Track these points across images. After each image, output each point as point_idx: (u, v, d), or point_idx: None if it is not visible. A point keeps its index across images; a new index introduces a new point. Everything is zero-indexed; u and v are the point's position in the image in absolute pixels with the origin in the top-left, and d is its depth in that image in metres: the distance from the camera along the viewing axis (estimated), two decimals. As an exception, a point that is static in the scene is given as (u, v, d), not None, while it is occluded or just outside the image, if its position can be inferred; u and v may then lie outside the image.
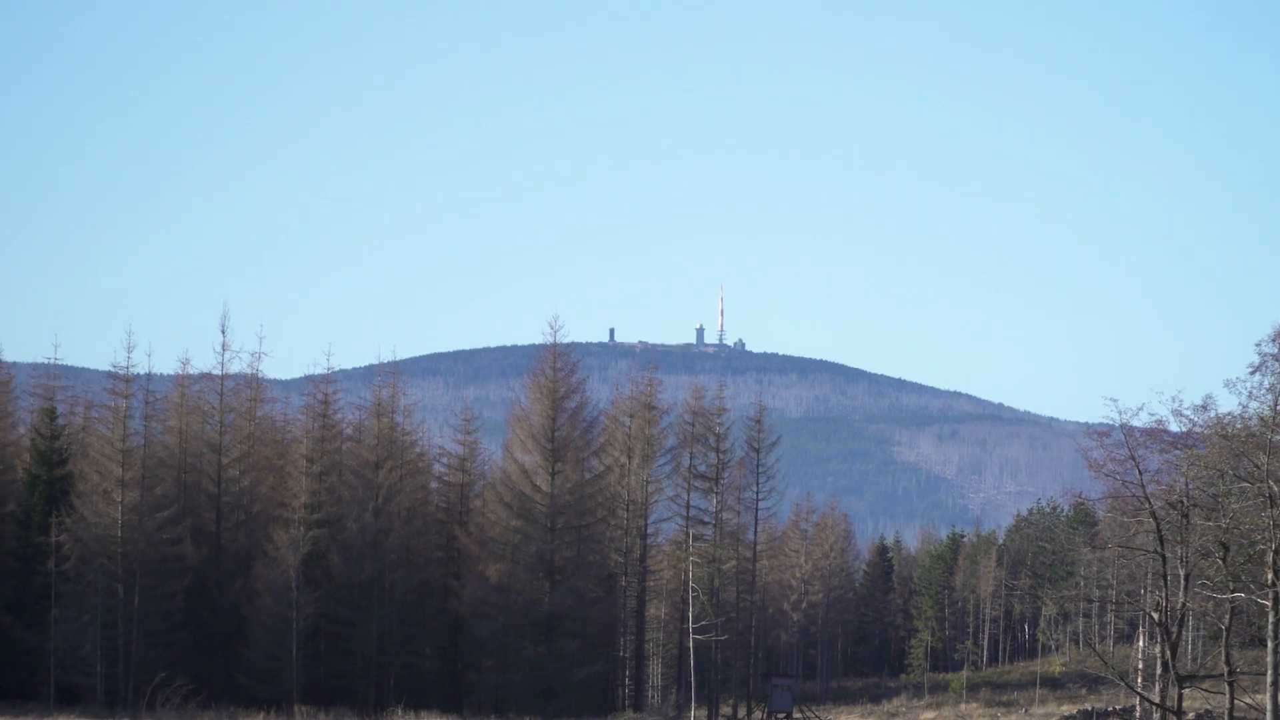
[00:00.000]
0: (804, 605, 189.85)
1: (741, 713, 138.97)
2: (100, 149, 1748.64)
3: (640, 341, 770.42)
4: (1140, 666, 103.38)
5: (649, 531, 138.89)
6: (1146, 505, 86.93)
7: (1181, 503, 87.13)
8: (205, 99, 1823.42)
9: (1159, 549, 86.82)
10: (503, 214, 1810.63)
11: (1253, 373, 79.32)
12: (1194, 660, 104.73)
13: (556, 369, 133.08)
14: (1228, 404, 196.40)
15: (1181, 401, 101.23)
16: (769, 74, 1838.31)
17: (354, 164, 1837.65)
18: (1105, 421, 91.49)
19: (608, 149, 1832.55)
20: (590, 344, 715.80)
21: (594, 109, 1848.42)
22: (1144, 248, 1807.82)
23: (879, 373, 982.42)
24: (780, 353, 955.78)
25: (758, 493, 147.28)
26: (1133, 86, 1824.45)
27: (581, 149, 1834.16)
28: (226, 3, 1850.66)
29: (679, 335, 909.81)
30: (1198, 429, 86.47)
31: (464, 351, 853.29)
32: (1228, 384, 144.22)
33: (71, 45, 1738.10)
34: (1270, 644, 79.03)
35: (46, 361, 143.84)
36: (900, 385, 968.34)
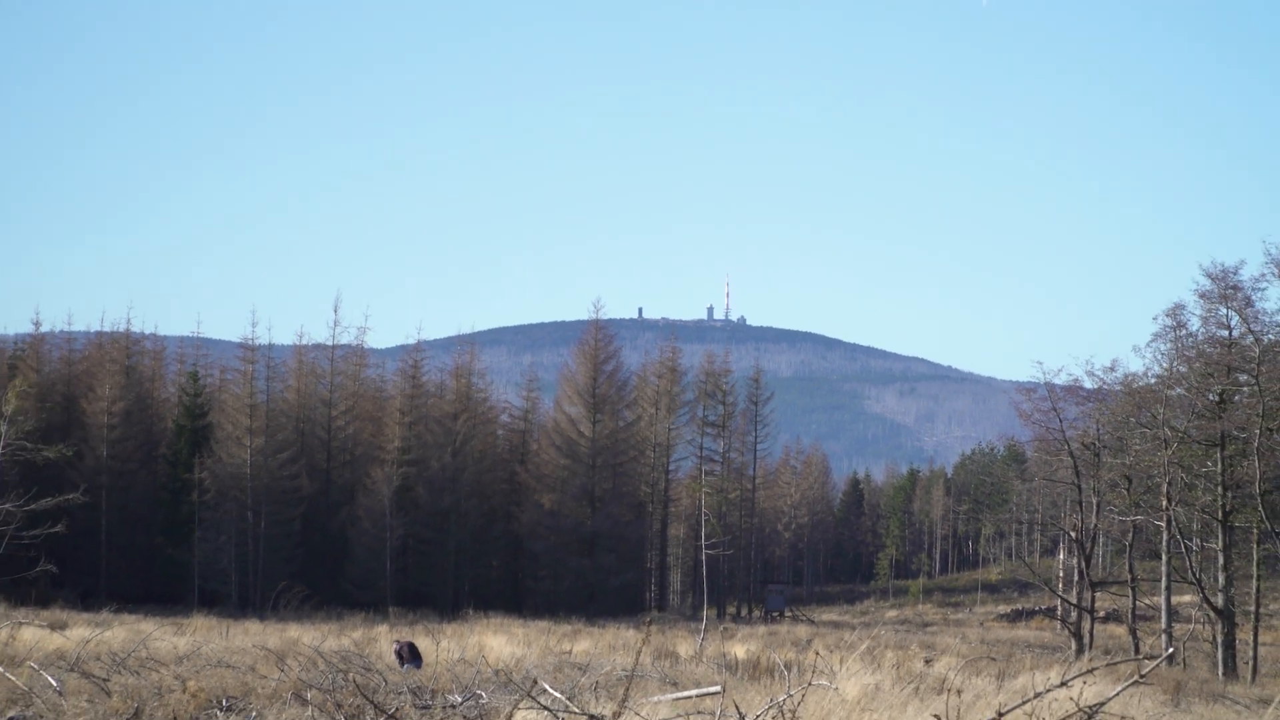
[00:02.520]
0: (793, 526, 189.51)
1: (744, 611, 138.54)
2: (226, 156, 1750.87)
3: (663, 317, 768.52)
4: (1061, 574, 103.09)
5: (670, 468, 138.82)
6: (1065, 447, 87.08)
7: (1094, 444, 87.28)
8: (316, 102, 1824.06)
9: (1075, 481, 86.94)
10: (555, 211, 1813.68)
11: (1152, 340, 78.99)
12: (1104, 569, 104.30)
13: (597, 340, 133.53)
14: (1135, 365, 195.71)
15: (1094, 364, 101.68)
16: (762, 91, 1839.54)
17: (443, 170, 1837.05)
18: (1033, 380, 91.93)
19: (640, 157, 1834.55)
20: (623, 320, 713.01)
21: (632, 121, 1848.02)
22: (1068, 226, 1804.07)
23: (852, 341, 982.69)
24: (774, 326, 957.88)
25: (756, 437, 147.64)
26: (1066, 63, 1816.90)
27: (617, 157, 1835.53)
28: None
29: (694, 312, 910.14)
30: (1106, 386, 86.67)
31: (523, 326, 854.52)
32: (1135, 349, 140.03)
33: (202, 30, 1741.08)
34: (1164, 556, 78.97)
35: (190, 335, 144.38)
36: (869, 352, 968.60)
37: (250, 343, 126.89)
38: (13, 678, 27.40)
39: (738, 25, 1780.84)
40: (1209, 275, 74.22)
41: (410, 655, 42.56)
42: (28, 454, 51.32)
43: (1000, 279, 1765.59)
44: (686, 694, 22.69)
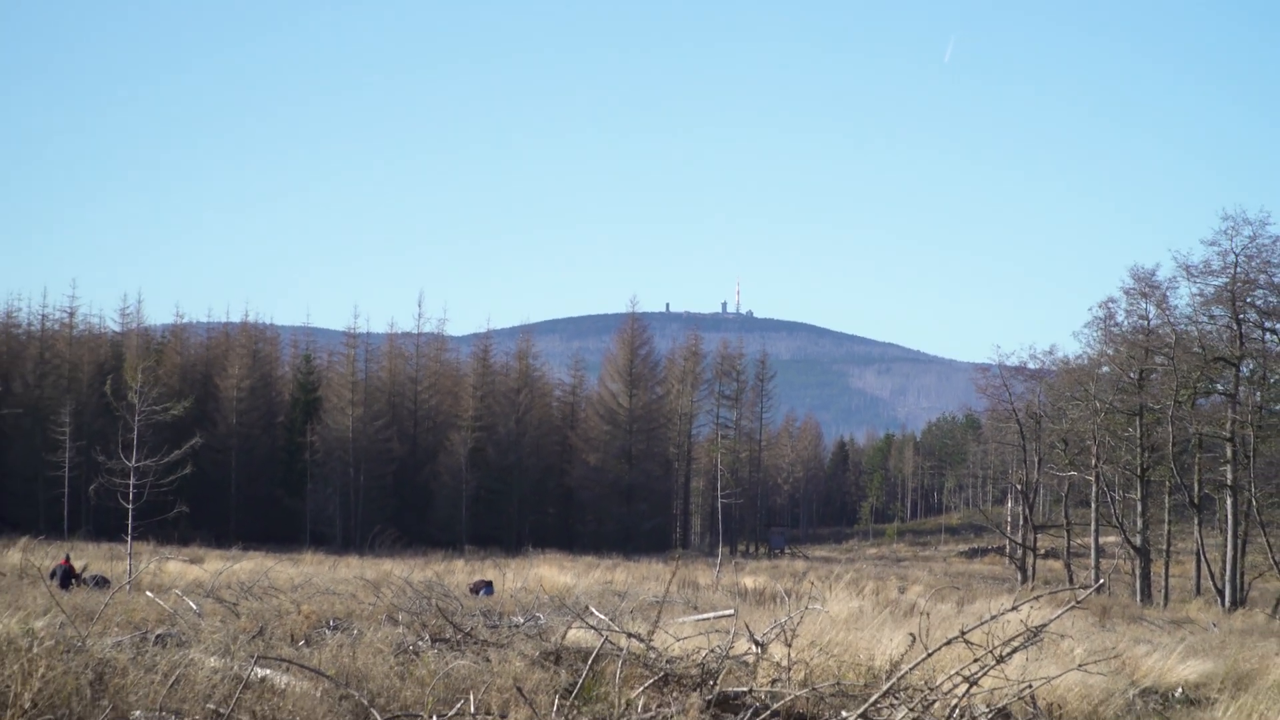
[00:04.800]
0: (791, 480, 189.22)
1: (752, 549, 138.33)
2: (332, 171, 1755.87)
3: (685, 310, 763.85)
4: (1009, 519, 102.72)
5: (692, 433, 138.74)
6: (1014, 416, 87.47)
7: (1036, 414, 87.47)
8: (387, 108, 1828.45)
9: (1021, 443, 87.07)
10: (598, 223, 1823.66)
11: (1086, 327, 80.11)
12: (1044, 515, 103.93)
13: (633, 329, 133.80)
14: (1071, 348, 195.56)
15: (1037, 349, 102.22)
16: (764, 116, 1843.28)
17: (510, 188, 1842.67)
18: (988, 361, 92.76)
19: (667, 178, 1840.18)
20: (653, 313, 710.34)
21: (663, 147, 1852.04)
22: (1018, 231, 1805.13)
23: (839, 330, 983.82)
24: (776, 318, 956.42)
25: (762, 408, 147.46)
26: (1025, 93, 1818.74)
27: (651, 178, 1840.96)
28: None
29: (711, 306, 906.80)
30: (1047, 366, 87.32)
31: (573, 318, 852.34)
32: (1074, 334, 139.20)
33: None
34: (1093, 505, 79.23)
35: (301, 325, 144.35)
36: (853, 339, 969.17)
37: (353, 331, 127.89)
38: (161, 602, 27.46)
39: (746, 65, 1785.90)
40: (1133, 276, 75.27)
41: (484, 587, 42.60)
42: (159, 416, 51.45)
43: (961, 276, 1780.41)
44: (706, 616, 22.64)
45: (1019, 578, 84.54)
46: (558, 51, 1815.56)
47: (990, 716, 12.33)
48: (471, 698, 13.10)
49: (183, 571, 48.01)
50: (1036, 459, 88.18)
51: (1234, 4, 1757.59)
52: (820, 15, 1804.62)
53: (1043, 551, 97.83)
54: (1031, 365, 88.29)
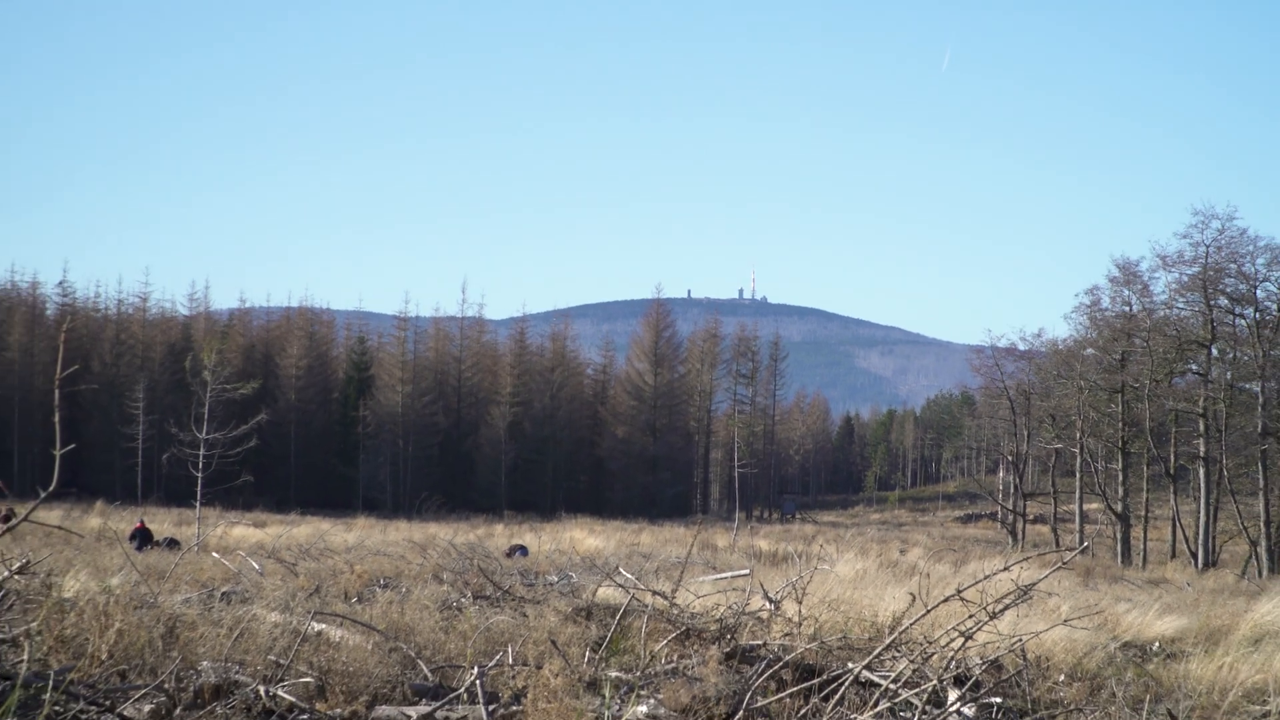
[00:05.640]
0: (801, 452, 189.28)
1: (765, 515, 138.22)
2: (382, 166, 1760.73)
3: (705, 296, 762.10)
4: (1001, 487, 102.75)
5: (712, 409, 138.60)
6: (1005, 393, 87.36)
7: (1026, 391, 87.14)
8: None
9: (1012, 418, 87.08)
10: (627, 215, 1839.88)
11: (1073, 312, 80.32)
12: (1033, 484, 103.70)
13: (658, 313, 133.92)
14: (1059, 331, 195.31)
15: (1026, 332, 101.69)
16: (777, 114, 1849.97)
17: (547, 181, 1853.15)
18: (982, 343, 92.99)
19: (691, 175, 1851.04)
20: (676, 298, 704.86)
21: (688, 146, 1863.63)
22: (1011, 225, 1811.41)
23: (846, 315, 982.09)
24: (788, 303, 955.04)
25: (775, 386, 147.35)
26: (1022, 92, 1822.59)
27: (678, 175, 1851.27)
28: None
29: (728, 293, 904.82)
30: (1035, 348, 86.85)
31: (603, 303, 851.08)
32: (1065, 317, 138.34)
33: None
34: (1078, 475, 79.26)
35: (355, 309, 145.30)
36: (859, 322, 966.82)
37: (403, 315, 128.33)
38: (226, 563, 27.53)
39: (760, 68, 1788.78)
40: (1117, 265, 75.58)
41: (518, 550, 42.66)
42: (228, 393, 51.79)
43: (959, 265, 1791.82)
44: (724, 575, 22.62)
45: (1010, 541, 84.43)
46: (592, 62, 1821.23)
47: (984, 668, 12.30)
48: (510, 650, 13.11)
49: (246, 535, 48.14)
50: (1026, 432, 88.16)
51: (1210, 4, 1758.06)
52: (832, 24, 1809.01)
53: (1031, 517, 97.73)
54: (1021, 347, 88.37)
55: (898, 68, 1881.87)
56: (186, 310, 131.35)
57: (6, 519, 39.42)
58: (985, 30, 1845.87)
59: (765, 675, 11.72)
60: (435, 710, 10.34)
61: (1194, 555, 68.16)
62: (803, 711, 10.47)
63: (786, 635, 14.29)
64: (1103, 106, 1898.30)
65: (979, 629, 11.24)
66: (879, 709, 10.11)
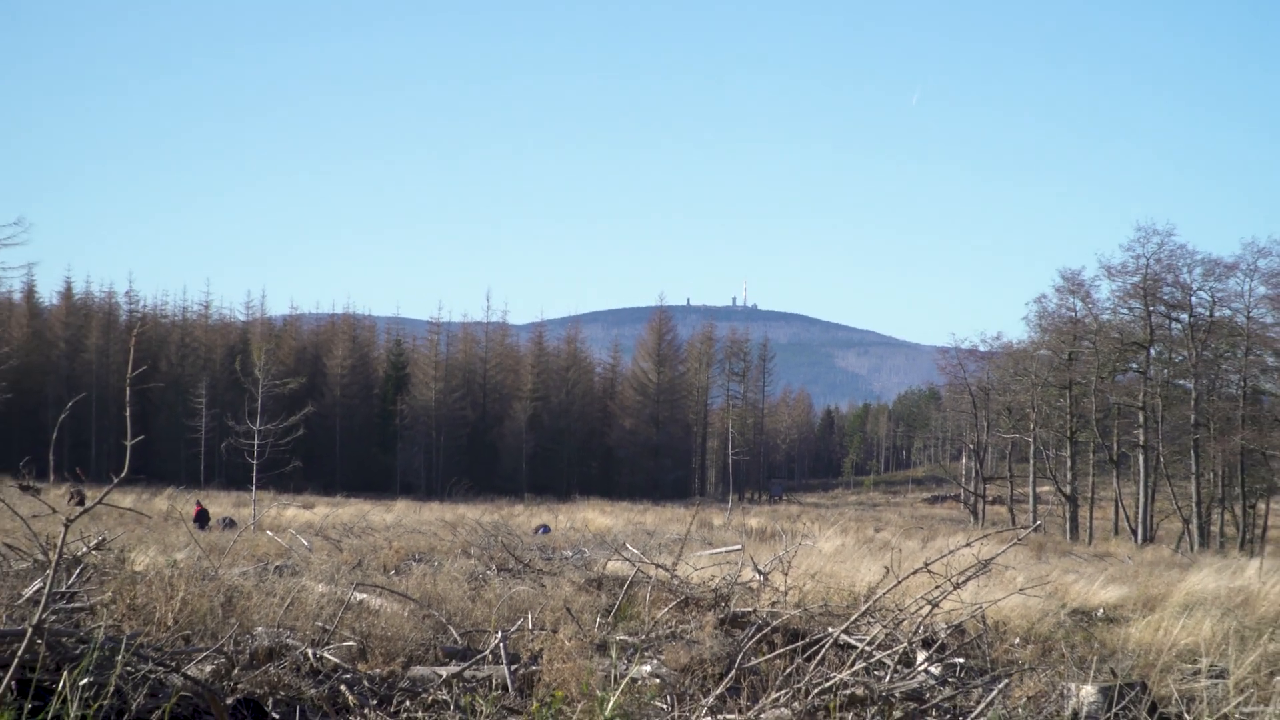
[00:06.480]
0: (787, 441, 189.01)
1: (755, 497, 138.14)
2: (409, 180, 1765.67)
3: (702, 304, 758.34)
4: (964, 473, 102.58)
5: (708, 403, 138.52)
6: (968, 389, 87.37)
7: (986, 387, 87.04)
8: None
9: (974, 411, 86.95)
10: (633, 230, 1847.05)
11: (1025, 317, 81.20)
12: (992, 469, 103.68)
13: (661, 319, 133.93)
14: (1014, 334, 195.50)
15: (987, 334, 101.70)
16: (765, 134, 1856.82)
17: (563, 202, 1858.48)
18: (947, 345, 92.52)
19: (688, 196, 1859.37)
20: (676, 305, 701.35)
21: (690, 168, 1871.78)
22: (973, 241, 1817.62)
23: (827, 320, 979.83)
24: (776, 310, 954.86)
25: (763, 383, 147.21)
26: (988, 108, 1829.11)
27: (679, 197, 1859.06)
28: None
29: (723, 300, 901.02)
30: (994, 348, 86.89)
31: (612, 310, 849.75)
32: (1024, 318, 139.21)
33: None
34: (1031, 461, 79.15)
35: (392, 315, 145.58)
36: (838, 326, 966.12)
37: (436, 321, 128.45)
38: (278, 540, 27.55)
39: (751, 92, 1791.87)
40: (1063, 275, 75.82)
41: (542, 528, 42.73)
42: (278, 389, 52.04)
43: (927, 275, 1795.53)
44: (719, 550, 22.63)
45: (972, 520, 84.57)
46: (605, 97, 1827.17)
47: (949, 632, 12.30)
48: (529, 616, 13.13)
49: (297, 515, 48.20)
50: (986, 424, 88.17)
51: (1153, 20, 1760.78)
52: (818, 66, 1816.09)
53: (991, 499, 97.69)
54: (982, 348, 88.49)
55: (875, 100, 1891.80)
56: (244, 316, 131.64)
57: (80, 501, 39.51)
58: (953, 64, 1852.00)
59: (755, 639, 11.72)
60: (463, 669, 10.34)
61: (1134, 532, 68.30)
62: (788, 671, 10.46)
63: (774, 603, 14.30)
64: (1052, 129, 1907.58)
65: (944, 597, 11.23)
66: (856, 668, 10.11)
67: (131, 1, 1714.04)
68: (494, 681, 10.44)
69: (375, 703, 9.50)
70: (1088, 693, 9.89)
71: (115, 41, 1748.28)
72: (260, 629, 11.33)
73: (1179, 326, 70.33)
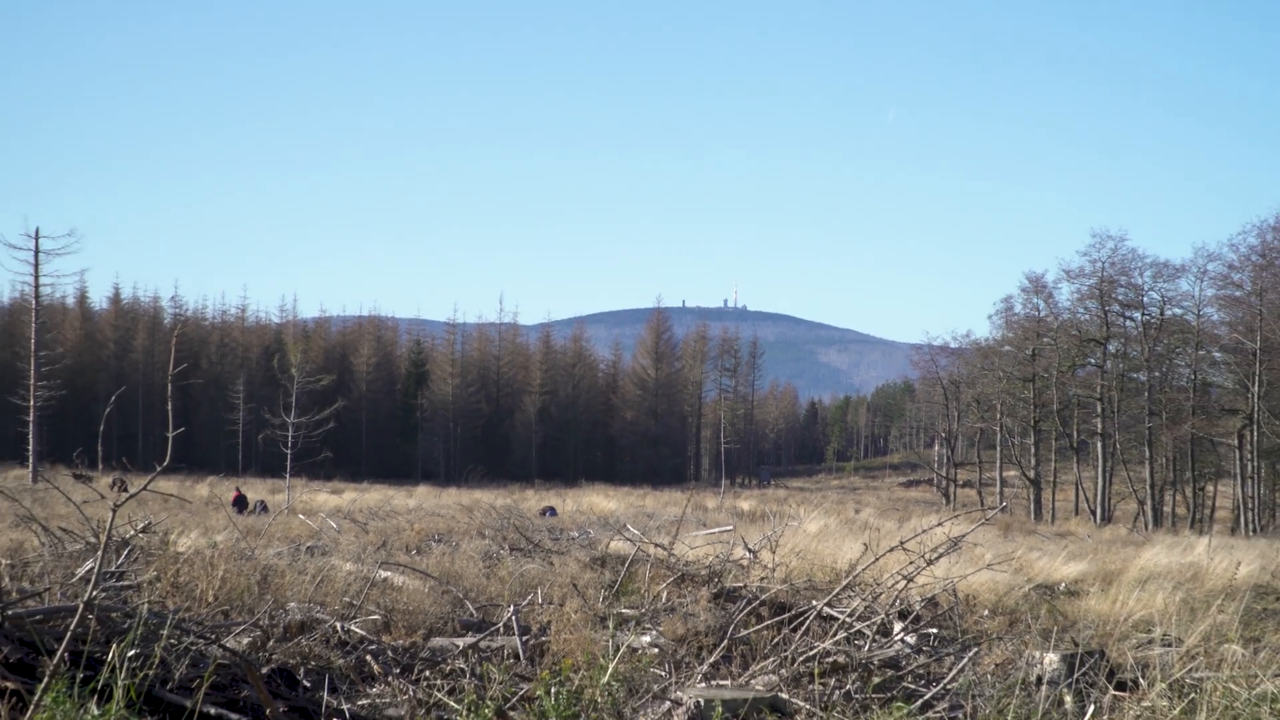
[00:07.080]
0: (775, 431, 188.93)
1: (746, 482, 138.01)
2: (430, 188, 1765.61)
3: (697, 305, 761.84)
4: (936, 459, 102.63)
5: (702, 396, 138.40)
6: (940, 383, 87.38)
7: (956, 381, 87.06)
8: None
9: (945, 403, 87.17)
10: (633, 238, 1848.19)
11: (992, 316, 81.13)
12: (962, 455, 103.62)
13: (658, 320, 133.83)
14: (982, 331, 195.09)
15: (957, 332, 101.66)
16: (757, 137, 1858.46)
17: (570, 211, 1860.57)
18: (921, 342, 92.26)
19: (684, 200, 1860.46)
20: (672, 307, 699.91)
21: (687, 176, 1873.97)
22: (948, 244, 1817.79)
23: (810, 319, 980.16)
24: (764, 310, 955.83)
25: (753, 378, 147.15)
26: (958, 119, 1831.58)
27: (676, 203, 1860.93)
28: None
29: (715, 301, 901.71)
30: (964, 345, 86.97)
31: (613, 311, 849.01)
32: (989, 317, 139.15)
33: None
34: (998, 448, 79.34)
35: (413, 317, 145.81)
36: (820, 325, 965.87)
37: (453, 322, 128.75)
38: (310, 523, 27.58)
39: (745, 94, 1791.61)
40: (1027, 278, 76.30)
41: (549, 511, 42.71)
42: (310, 385, 52.07)
43: (902, 276, 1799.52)
44: (712, 531, 22.63)
45: (944, 502, 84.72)
46: (608, 113, 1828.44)
47: (923, 604, 12.31)
48: (539, 592, 13.14)
49: (327, 500, 48.20)
50: (956, 414, 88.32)
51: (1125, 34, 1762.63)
52: (804, 84, 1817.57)
53: (961, 482, 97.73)
54: (953, 345, 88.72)
55: (855, 118, 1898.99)
56: (278, 319, 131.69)
57: (123, 489, 39.46)
58: (926, 81, 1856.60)
59: (746, 611, 11.73)
60: (479, 640, 10.35)
61: (1093, 513, 68.38)
62: (776, 640, 10.47)
63: (763, 579, 14.31)
64: (1017, 139, 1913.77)
65: (919, 573, 11.25)
66: (838, 638, 10.12)
67: (174, 9, 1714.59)
68: (507, 651, 10.45)
69: (398, 671, 9.51)
70: (1051, 660, 9.89)
71: (168, 63, 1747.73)
72: (293, 604, 11.34)
73: (1133, 324, 70.51)
